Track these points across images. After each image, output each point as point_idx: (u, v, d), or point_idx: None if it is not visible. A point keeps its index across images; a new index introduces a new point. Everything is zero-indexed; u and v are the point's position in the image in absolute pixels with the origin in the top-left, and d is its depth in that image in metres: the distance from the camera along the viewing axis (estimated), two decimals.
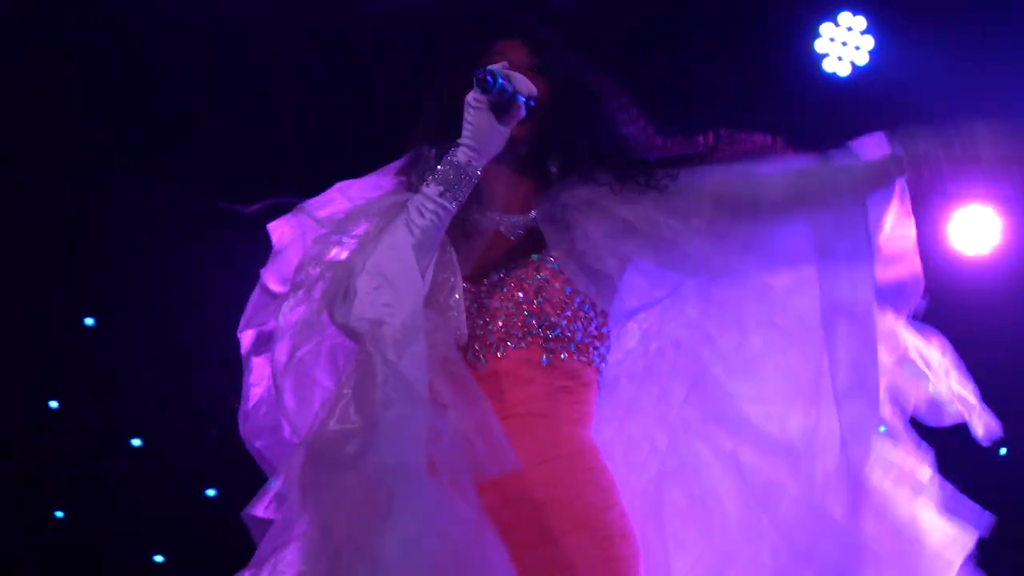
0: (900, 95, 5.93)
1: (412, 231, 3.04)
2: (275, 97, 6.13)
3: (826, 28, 6.05)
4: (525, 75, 3.13)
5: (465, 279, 3.18)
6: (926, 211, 5.93)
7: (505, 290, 3.20)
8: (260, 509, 3.28)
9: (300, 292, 3.15)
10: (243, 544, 6.45)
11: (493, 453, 2.92)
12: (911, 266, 3.27)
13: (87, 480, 6.27)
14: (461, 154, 3.06)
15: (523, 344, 3.18)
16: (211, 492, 6.37)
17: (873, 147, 3.20)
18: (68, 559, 6.29)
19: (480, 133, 3.06)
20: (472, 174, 3.07)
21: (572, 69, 3.29)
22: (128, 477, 6.28)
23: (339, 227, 3.17)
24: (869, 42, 6.04)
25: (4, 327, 6.26)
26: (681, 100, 3.35)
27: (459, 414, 2.94)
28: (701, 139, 3.31)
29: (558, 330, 3.20)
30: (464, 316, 3.12)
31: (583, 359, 3.23)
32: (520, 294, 3.20)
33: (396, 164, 3.34)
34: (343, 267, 3.04)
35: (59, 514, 6.31)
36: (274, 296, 3.29)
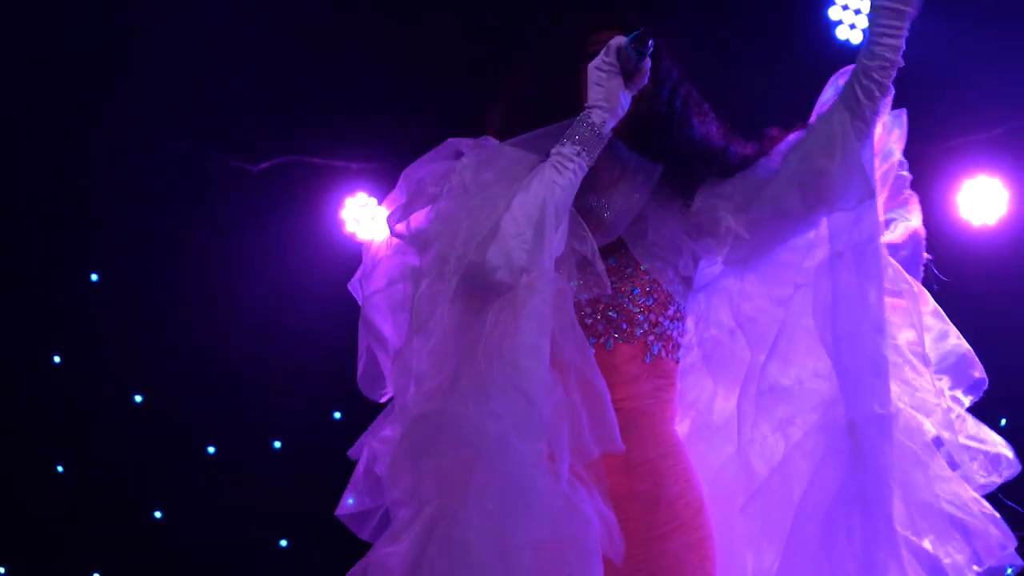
0: (912, 62, 5.89)
1: (552, 189, 3.00)
2: (286, 54, 6.11)
3: None
4: None
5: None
6: (935, 182, 5.96)
7: (616, 282, 3.21)
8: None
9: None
10: (241, 500, 6.49)
11: (600, 431, 2.94)
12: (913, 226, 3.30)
13: (88, 435, 6.29)
14: (595, 115, 3.06)
15: (631, 340, 3.21)
16: (211, 449, 6.38)
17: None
18: (68, 514, 6.31)
19: (612, 96, 3.06)
20: (605, 135, 3.07)
21: (669, 70, 3.31)
22: (129, 433, 6.29)
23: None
24: None
25: (8, 282, 6.26)
26: (692, 68, 3.34)
27: (572, 384, 2.94)
28: (753, 144, 3.34)
29: (660, 328, 3.23)
30: (607, 281, 3.12)
31: (674, 358, 3.29)
32: (630, 289, 3.22)
33: (456, 142, 3.23)
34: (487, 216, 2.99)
35: (60, 468, 6.32)
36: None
